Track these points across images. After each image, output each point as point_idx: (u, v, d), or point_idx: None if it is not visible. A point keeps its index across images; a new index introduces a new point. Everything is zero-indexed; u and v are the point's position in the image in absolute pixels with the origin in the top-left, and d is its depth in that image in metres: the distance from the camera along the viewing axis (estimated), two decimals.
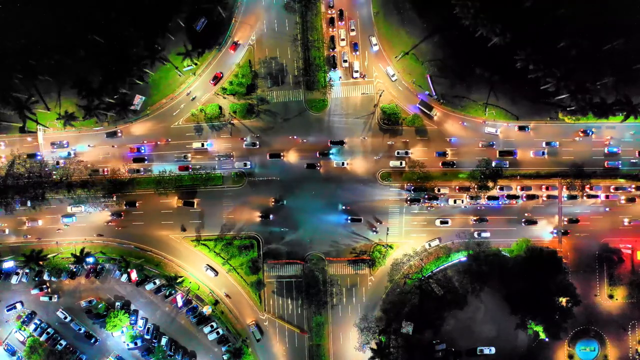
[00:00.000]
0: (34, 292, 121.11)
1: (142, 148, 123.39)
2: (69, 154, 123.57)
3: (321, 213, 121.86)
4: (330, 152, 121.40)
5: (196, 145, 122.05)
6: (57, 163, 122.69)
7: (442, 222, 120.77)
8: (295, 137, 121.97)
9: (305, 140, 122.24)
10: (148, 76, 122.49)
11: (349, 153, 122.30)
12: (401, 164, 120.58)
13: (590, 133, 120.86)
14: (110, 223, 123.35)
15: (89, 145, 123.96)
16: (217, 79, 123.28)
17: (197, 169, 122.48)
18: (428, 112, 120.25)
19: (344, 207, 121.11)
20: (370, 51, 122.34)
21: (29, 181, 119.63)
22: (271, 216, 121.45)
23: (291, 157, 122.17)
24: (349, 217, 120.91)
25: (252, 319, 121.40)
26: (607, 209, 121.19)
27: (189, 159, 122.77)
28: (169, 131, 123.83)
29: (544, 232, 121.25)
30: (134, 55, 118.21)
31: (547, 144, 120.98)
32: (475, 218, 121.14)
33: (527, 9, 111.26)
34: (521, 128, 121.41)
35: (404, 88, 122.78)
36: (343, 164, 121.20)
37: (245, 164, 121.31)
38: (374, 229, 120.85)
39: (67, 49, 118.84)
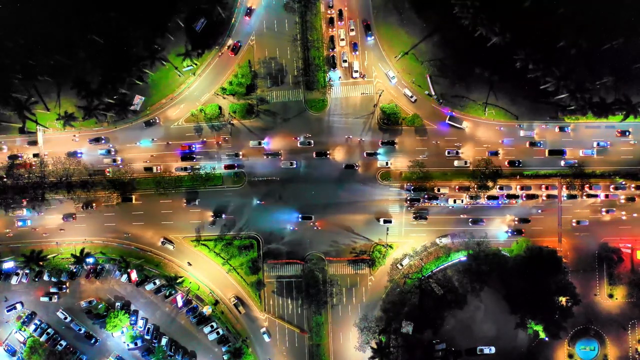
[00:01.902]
0: (52, 290, 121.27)
1: (193, 146, 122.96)
2: (109, 151, 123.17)
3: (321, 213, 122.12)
4: (378, 152, 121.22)
5: (253, 143, 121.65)
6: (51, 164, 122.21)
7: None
8: (350, 137, 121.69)
9: (350, 138, 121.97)
10: (148, 76, 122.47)
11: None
12: (466, 163, 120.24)
13: (628, 134, 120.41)
14: (61, 230, 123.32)
15: (153, 140, 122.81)
16: (235, 48, 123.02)
17: (197, 168, 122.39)
18: (459, 126, 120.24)
19: (259, 202, 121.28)
20: (390, 83, 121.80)
21: (28, 182, 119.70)
22: (223, 215, 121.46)
23: (337, 155, 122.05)
24: (300, 215, 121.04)
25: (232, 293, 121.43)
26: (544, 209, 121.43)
27: (241, 157, 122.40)
28: (169, 131, 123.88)
29: (499, 231, 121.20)
30: (133, 56, 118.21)
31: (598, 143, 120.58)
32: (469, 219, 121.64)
33: (527, 8, 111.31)
34: (561, 129, 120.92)
35: (426, 104, 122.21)
36: (387, 164, 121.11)
37: (291, 163, 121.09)
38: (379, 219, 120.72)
39: (66, 50, 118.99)
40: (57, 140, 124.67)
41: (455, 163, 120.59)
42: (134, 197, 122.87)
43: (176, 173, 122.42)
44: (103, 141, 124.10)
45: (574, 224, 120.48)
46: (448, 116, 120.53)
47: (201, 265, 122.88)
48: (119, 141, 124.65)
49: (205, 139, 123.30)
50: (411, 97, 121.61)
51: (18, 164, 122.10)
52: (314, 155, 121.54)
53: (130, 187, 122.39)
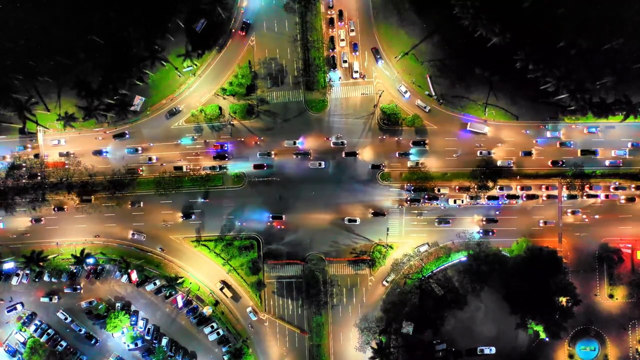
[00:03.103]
0: (67, 290, 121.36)
1: (226, 145, 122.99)
2: (136, 149, 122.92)
3: (321, 213, 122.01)
4: (410, 152, 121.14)
5: (288, 142, 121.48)
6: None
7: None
8: (383, 137, 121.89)
9: (383, 138, 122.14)
10: (148, 77, 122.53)
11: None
12: (509, 163, 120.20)
13: None
14: (26, 235, 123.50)
15: (193, 137, 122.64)
16: (245, 27, 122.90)
17: (197, 169, 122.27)
18: (481, 132, 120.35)
19: (203, 200, 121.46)
20: (403, 99, 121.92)
21: (29, 182, 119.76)
22: (193, 216, 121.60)
23: (366, 155, 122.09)
24: (271, 215, 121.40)
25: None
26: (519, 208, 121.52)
27: (272, 156, 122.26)
28: (169, 132, 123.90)
29: (472, 232, 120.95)
30: (133, 56, 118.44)
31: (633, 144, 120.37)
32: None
33: (527, 9, 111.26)
34: (590, 129, 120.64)
35: (441, 113, 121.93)
36: (417, 164, 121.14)
37: (319, 164, 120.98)
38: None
39: (66, 50, 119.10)
40: (83, 139, 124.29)
41: (499, 163, 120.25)
42: (92, 197, 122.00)
43: (175, 173, 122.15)
44: (127, 136, 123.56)
45: (541, 224, 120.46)
46: (469, 123, 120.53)
47: (201, 265, 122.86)
48: (143, 136, 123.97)
49: (243, 138, 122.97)
50: (425, 107, 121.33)
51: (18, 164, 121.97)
52: (343, 155, 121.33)
53: (130, 187, 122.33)
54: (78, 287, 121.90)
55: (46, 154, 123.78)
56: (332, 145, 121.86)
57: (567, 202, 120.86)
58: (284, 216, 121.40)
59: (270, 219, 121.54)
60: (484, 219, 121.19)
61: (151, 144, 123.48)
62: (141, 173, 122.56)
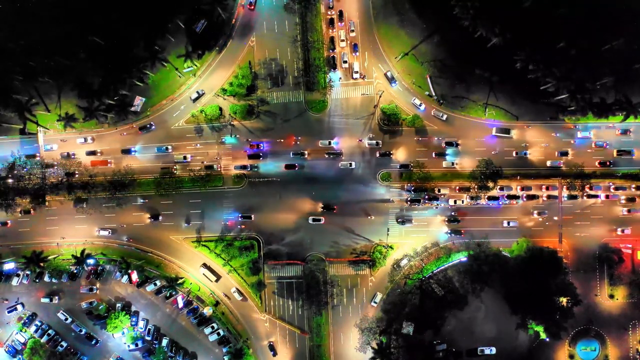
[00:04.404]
0: (84, 290, 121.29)
1: (262, 144, 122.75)
2: (166, 148, 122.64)
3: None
4: (447, 152, 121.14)
5: (323, 142, 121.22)
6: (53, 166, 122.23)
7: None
8: (420, 139, 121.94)
9: (420, 139, 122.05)
10: (148, 77, 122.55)
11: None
12: (558, 163, 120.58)
13: None
14: None
15: (236, 136, 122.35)
16: (252, 3, 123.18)
17: (197, 170, 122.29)
18: (507, 136, 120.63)
19: (142, 200, 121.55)
20: (418, 111, 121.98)
21: (29, 182, 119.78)
22: (160, 217, 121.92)
23: (400, 155, 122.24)
24: (240, 215, 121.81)
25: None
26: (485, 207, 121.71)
27: (306, 156, 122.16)
28: (170, 132, 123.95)
29: (439, 233, 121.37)
30: (134, 57, 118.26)
31: None
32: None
33: (527, 9, 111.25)
34: (623, 131, 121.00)
35: (460, 120, 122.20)
36: (453, 164, 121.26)
37: (350, 164, 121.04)
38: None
39: (67, 51, 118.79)
40: (110, 137, 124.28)
41: (548, 163, 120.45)
42: (47, 201, 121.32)
43: (176, 173, 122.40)
44: (153, 127, 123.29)
45: (505, 225, 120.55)
46: (494, 128, 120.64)
47: (196, 263, 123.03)
48: (168, 126, 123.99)
49: (282, 140, 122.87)
50: (442, 116, 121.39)
51: (19, 165, 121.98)
52: (377, 155, 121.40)
53: (130, 188, 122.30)
54: (94, 287, 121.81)
55: (73, 153, 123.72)
56: (367, 145, 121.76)
57: (568, 202, 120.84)
58: (252, 216, 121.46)
59: (240, 219, 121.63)
60: (446, 219, 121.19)
61: (197, 144, 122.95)
62: (175, 172, 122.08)
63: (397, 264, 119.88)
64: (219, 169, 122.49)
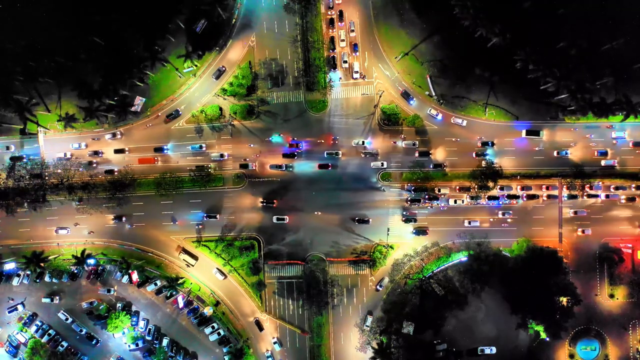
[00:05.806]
0: (101, 292, 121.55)
1: (301, 144, 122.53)
2: (201, 146, 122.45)
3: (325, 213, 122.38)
4: (487, 152, 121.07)
5: (356, 141, 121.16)
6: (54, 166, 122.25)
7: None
8: (458, 139, 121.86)
9: (457, 140, 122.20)
10: (148, 78, 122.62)
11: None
12: (613, 162, 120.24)
13: None
14: None
15: (279, 134, 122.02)
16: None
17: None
18: (537, 137, 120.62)
19: (78, 203, 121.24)
20: (435, 121, 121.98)
21: (29, 183, 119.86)
22: (124, 219, 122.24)
23: (439, 155, 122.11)
24: (205, 215, 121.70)
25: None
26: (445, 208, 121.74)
27: (340, 155, 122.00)
28: (170, 132, 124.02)
29: (405, 232, 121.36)
30: (134, 57, 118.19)
31: None
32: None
33: (527, 9, 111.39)
34: None
35: (482, 126, 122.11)
36: (493, 164, 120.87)
37: (382, 164, 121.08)
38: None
39: (67, 51, 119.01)
40: (141, 135, 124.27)
41: (603, 163, 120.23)
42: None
43: (178, 173, 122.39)
44: (180, 113, 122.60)
45: (466, 224, 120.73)
46: (524, 130, 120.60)
47: (202, 266, 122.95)
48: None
49: (322, 140, 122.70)
50: (462, 122, 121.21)
51: (19, 165, 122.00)
52: (416, 155, 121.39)
53: (130, 188, 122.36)
54: (112, 289, 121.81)
55: (101, 152, 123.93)
56: (403, 145, 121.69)
57: (568, 202, 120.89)
58: (218, 216, 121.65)
59: (205, 218, 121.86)
60: (403, 218, 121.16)
61: (253, 144, 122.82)
62: (210, 170, 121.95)
63: (396, 264, 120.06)
64: (253, 167, 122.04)
